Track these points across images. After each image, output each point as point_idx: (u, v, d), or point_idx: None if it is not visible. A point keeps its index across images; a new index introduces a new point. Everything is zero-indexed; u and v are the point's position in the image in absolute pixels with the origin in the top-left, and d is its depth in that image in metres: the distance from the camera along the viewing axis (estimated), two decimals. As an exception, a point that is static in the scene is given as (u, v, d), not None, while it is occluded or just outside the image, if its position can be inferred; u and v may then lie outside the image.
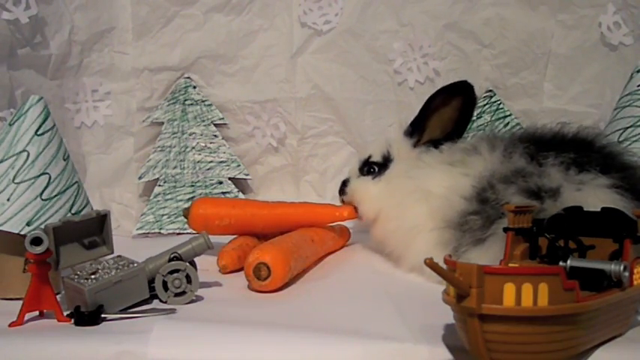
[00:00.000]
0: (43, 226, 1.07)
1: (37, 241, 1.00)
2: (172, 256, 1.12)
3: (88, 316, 0.99)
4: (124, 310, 1.05)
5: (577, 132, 1.23)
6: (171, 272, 1.10)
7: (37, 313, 1.03)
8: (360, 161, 1.48)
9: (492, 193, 1.14)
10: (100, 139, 1.77)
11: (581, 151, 1.16)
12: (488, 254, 1.09)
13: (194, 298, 1.11)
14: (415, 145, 1.41)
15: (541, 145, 1.19)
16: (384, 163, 1.44)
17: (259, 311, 1.07)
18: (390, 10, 1.75)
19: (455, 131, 1.39)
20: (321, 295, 1.12)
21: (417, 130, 1.41)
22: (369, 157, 1.46)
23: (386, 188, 1.40)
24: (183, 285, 1.10)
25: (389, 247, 1.35)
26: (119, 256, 1.13)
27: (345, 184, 1.50)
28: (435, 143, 1.38)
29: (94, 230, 1.12)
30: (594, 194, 1.08)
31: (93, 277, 1.05)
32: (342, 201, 1.50)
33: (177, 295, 1.10)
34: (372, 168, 1.45)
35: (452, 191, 1.22)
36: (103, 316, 1.00)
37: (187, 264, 1.11)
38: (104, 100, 1.76)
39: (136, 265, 1.10)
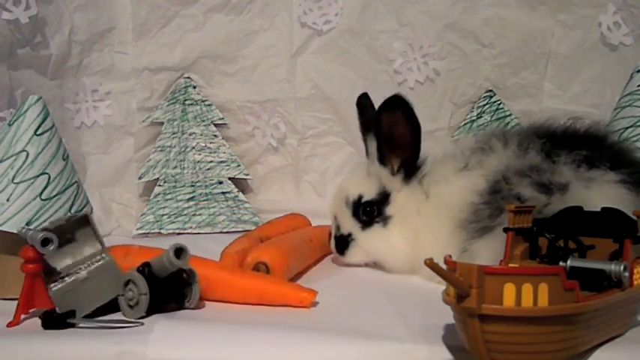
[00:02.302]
0: (40, 228, 1.07)
1: (46, 241, 1.00)
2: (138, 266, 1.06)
3: (56, 320, 0.98)
4: (101, 310, 1.04)
5: (589, 128, 1.23)
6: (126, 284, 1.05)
7: (38, 313, 1.03)
8: (349, 204, 1.33)
9: (505, 184, 1.14)
10: (100, 139, 1.77)
11: (594, 149, 1.16)
12: (495, 243, 1.08)
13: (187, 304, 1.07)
14: (402, 175, 1.30)
15: (556, 141, 1.19)
16: (383, 200, 1.31)
17: (259, 311, 1.07)
18: (390, 10, 1.75)
19: (415, 144, 1.28)
20: (321, 295, 1.11)
21: (384, 157, 1.30)
22: (360, 197, 1.32)
23: (408, 230, 1.28)
24: (135, 296, 1.03)
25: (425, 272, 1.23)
26: (104, 254, 1.10)
27: (343, 240, 1.33)
28: (409, 163, 1.29)
29: (79, 232, 1.11)
30: (601, 190, 1.09)
31: (67, 278, 1.04)
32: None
33: (132, 307, 1.03)
34: (369, 208, 1.31)
35: (470, 192, 1.20)
36: (71, 321, 0.98)
37: (133, 271, 1.04)
38: (104, 100, 1.76)
39: (104, 259, 1.08)
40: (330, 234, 1.39)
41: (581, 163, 1.13)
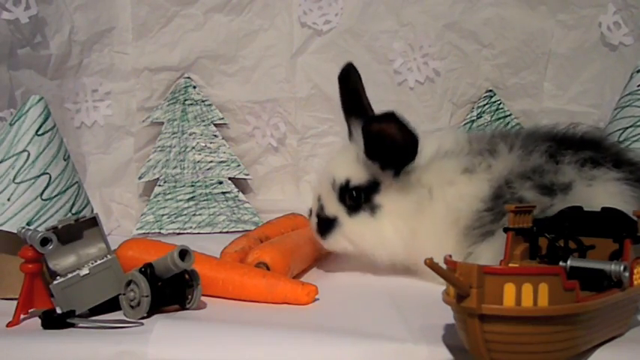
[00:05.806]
0: (44, 228, 1.07)
1: (45, 241, 1.00)
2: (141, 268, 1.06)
3: (55, 319, 0.98)
4: (101, 308, 1.04)
5: (587, 131, 1.23)
6: (127, 284, 1.05)
7: (37, 313, 1.03)
8: (336, 188, 1.25)
9: (508, 189, 1.15)
10: (100, 139, 1.77)
11: (595, 149, 1.17)
12: (495, 246, 1.09)
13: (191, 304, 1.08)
14: (392, 172, 1.22)
15: (560, 143, 1.19)
16: (372, 187, 1.23)
17: (259, 311, 1.07)
18: (390, 10, 1.75)
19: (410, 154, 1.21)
20: (322, 295, 1.11)
21: (373, 156, 1.21)
22: (348, 181, 1.24)
23: (404, 225, 1.22)
24: (137, 297, 1.03)
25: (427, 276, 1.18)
26: (108, 254, 1.11)
27: (328, 223, 1.26)
28: (401, 165, 1.22)
29: (86, 232, 1.11)
30: (603, 187, 1.10)
31: (68, 274, 1.05)
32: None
33: (133, 307, 1.03)
34: (356, 194, 1.24)
35: (476, 199, 1.18)
36: (71, 321, 0.98)
37: (135, 272, 1.04)
38: (104, 100, 1.76)
39: (108, 257, 1.09)
40: (310, 212, 1.31)
41: (585, 162, 1.14)
